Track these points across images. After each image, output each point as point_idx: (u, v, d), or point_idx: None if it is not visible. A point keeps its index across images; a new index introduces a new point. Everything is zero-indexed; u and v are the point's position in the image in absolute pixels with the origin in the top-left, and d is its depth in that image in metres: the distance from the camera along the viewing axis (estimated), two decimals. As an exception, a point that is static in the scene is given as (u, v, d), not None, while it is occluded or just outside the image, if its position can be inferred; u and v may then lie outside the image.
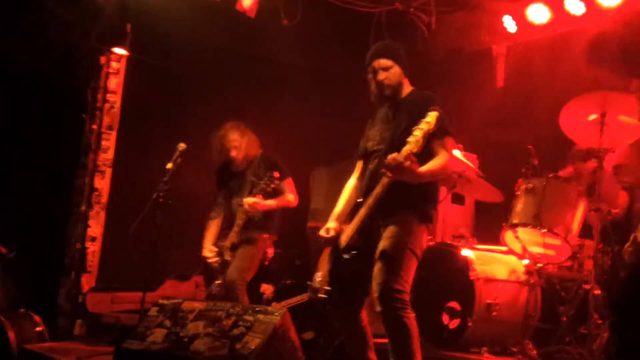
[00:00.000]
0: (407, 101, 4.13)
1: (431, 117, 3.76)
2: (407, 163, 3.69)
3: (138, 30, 6.87)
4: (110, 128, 6.89)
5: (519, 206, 5.18)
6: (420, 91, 4.19)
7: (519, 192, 5.25)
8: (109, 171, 6.77)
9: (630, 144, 5.19)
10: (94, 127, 6.83)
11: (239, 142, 5.64)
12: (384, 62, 4.14)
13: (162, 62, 7.07)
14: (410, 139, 3.73)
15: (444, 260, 5.19)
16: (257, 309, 4.13)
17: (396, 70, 4.15)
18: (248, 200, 5.38)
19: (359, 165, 4.32)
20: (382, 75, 4.13)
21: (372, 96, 4.22)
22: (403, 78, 4.18)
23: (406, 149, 3.72)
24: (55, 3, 6.37)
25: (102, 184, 6.76)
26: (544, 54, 6.80)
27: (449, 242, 5.55)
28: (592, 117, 5.00)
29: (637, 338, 3.02)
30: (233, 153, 5.64)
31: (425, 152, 3.87)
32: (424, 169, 3.82)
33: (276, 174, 5.34)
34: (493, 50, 7.24)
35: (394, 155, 3.73)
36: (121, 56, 6.98)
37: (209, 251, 5.52)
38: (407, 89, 4.21)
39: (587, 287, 4.85)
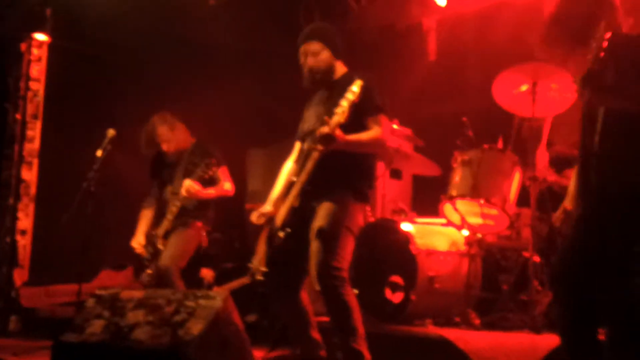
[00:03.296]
0: (342, 82, 4.09)
1: (356, 85, 3.80)
2: (336, 132, 3.73)
3: (59, 15, 6.64)
4: (34, 117, 6.65)
5: (456, 178, 5.20)
6: (355, 72, 4.14)
7: (455, 165, 5.27)
8: (35, 162, 6.56)
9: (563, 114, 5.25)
10: (18, 116, 6.59)
11: (169, 135, 5.56)
12: (313, 46, 4.13)
13: (86, 47, 6.85)
14: (337, 109, 3.77)
15: (384, 236, 5.16)
16: (198, 294, 4.04)
17: (325, 54, 4.13)
18: (187, 183, 5.28)
19: (296, 147, 4.29)
20: (311, 61, 4.12)
21: (304, 81, 4.20)
22: (334, 61, 4.17)
23: (334, 119, 3.76)
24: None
25: (30, 175, 6.54)
26: (475, 27, 6.81)
27: (388, 217, 5.54)
28: (524, 87, 5.05)
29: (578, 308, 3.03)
30: (164, 147, 5.56)
31: (359, 129, 3.89)
32: (352, 136, 3.84)
33: (212, 161, 5.28)
34: (423, 24, 7.23)
35: (323, 127, 3.76)
36: (42, 42, 6.75)
37: (136, 242, 5.41)
38: (341, 70, 4.20)
39: (527, 254, 4.93)
